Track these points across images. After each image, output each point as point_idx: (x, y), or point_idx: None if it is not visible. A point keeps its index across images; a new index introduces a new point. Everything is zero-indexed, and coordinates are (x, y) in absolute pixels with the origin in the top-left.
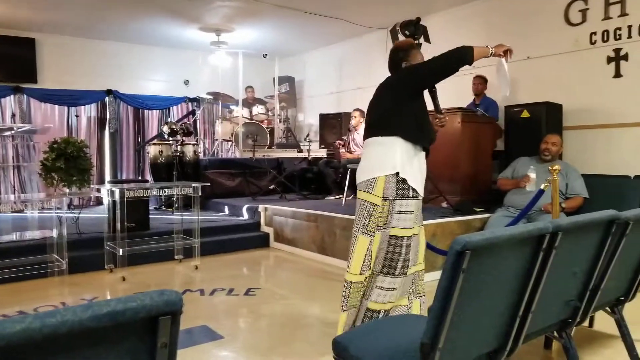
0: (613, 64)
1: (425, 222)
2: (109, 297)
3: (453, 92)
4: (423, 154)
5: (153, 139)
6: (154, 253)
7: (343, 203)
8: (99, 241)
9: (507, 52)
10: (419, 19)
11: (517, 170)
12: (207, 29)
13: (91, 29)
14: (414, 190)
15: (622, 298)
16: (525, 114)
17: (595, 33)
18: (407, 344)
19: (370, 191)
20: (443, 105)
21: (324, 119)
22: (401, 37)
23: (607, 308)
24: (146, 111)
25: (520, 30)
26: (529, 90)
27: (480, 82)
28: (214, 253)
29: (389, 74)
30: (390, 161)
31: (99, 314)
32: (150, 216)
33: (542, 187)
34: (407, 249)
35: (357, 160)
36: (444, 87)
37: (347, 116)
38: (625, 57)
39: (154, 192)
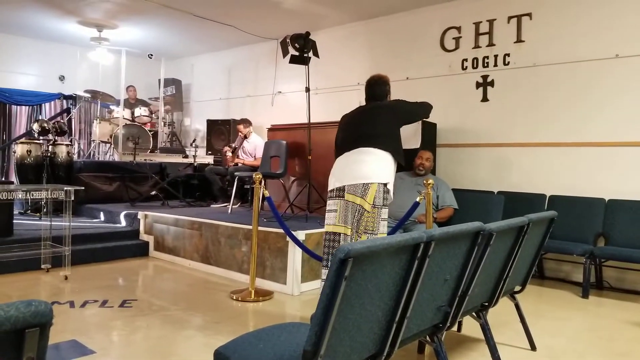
0: (481, 88)
1: (310, 231)
2: None
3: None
4: None
5: (21, 137)
6: (18, 262)
7: (229, 211)
8: None
9: None
10: (308, 34)
11: (396, 183)
12: (87, 23)
13: None
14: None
15: (487, 304)
16: None
17: (466, 60)
18: (290, 352)
19: (363, 196)
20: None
21: (212, 124)
22: (291, 50)
23: (474, 313)
24: (14, 107)
25: (401, 52)
26: None
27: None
28: (87, 262)
29: (280, 85)
30: (384, 172)
31: None
32: (14, 221)
33: (417, 199)
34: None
35: (245, 169)
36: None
37: (235, 123)
38: (492, 84)
39: (19, 195)
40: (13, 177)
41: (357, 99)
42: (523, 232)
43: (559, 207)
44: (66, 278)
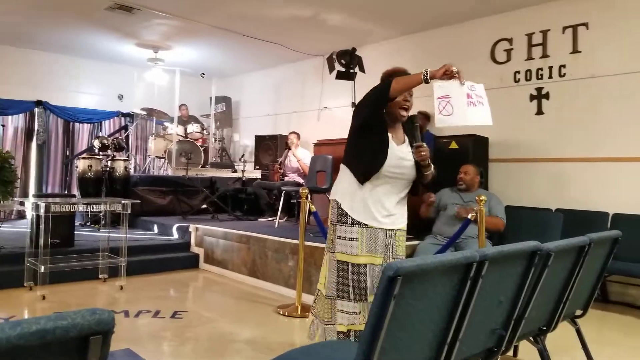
0: (535, 101)
1: None
2: (26, 317)
3: None
4: (388, 186)
5: (83, 152)
6: (78, 271)
7: (276, 225)
8: (19, 257)
9: (449, 72)
10: (354, 50)
11: (441, 200)
12: (144, 45)
13: (23, 37)
14: (353, 218)
15: (545, 328)
16: (454, 145)
17: (519, 72)
18: None
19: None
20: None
21: (260, 140)
22: (337, 66)
23: (531, 337)
24: (77, 124)
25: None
26: None
27: (421, 117)
28: (141, 273)
29: (326, 100)
30: (338, 187)
31: (27, 331)
32: (75, 232)
33: (469, 216)
34: (357, 276)
35: (292, 183)
36: None
37: (283, 138)
38: (547, 96)
39: (81, 208)
40: (75, 191)
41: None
42: (584, 253)
43: (624, 226)
44: (122, 288)
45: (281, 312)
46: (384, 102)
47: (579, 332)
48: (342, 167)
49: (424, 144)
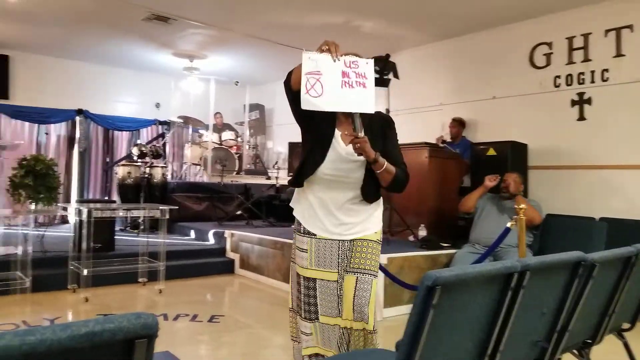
0: (577, 107)
1: (392, 255)
2: (70, 318)
3: (422, 127)
4: (333, 190)
5: (122, 159)
6: (118, 275)
7: None
8: (63, 260)
9: (331, 47)
10: (388, 56)
11: (482, 206)
12: (180, 54)
13: (65, 48)
14: (304, 227)
15: (590, 341)
16: (491, 151)
17: (559, 76)
18: None
19: None
20: (409, 139)
21: (293, 147)
22: None
23: (575, 350)
24: (116, 132)
25: (486, 70)
26: (494, 129)
27: (456, 125)
28: (179, 277)
29: None
30: (294, 194)
31: (77, 334)
32: (115, 237)
33: (507, 225)
34: (307, 290)
35: None
36: (412, 121)
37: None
38: (589, 101)
39: (121, 213)
40: (115, 197)
41: (439, 119)
42: (630, 264)
43: None
44: (160, 292)
45: None
46: (293, 95)
47: (626, 346)
48: None
49: (360, 134)
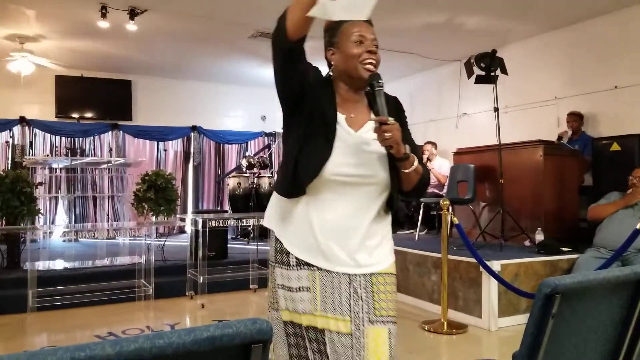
0: None
1: (506, 261)
2: (188, 323)
3: (533, 124)
4: (344, 200)
5: (232, 171)
6: (231, 282)
7: (416, 238)
8: (181, 268)
9: None
10: (494, 51)
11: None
12: None
13: (179, 70)
14: (294, 255)
15: None
16: (615, 146)
17: None
18: None
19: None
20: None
21: None
22: (476, 70)
23: None
24: (226, 145)
25: (606, 58)
26: (617, 121)
27: (575, 119)
28: None
29: (464, 106)
30: (268, 209)
31: (199, 338)
32: (228, 245)
33: (637, 226)
34: (306, 351)
35: (430, 194)
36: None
37: (419, 148)
38: None
39: (232, 222)
40: (226, 207)
41: (554, 114)
42: None
43: None
44: None
45: (426, 328)
46: (288, 52)
47: None
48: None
49: (390, 119)
